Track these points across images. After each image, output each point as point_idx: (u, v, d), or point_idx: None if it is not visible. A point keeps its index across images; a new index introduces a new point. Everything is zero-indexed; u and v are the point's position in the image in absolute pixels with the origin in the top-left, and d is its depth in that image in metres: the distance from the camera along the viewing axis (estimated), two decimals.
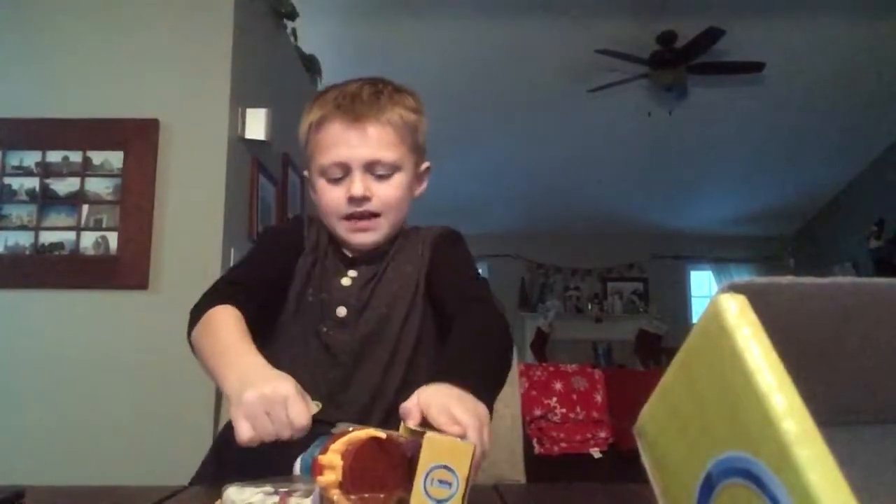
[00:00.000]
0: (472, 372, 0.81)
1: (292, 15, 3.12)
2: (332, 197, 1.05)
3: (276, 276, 1.06)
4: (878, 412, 0.40)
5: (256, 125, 2.54)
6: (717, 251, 7.17)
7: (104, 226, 2.33)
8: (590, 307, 7.07)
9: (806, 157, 5.76)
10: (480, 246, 7.20)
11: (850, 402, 0.39)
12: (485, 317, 0.97)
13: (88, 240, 2.32)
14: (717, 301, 0.32)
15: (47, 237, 2.33)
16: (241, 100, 2.52)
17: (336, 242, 1.11)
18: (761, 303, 0.31)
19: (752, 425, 0.29)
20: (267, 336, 1.04)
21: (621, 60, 4.37)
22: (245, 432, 0.71)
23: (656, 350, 6.39)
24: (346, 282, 1.07)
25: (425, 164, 1.14)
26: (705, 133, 5.46)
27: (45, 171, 2.36)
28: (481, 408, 0.73)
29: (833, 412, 0.35)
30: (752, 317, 0.31)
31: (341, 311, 1.05)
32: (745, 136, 5.49)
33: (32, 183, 2.36)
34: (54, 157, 2.37)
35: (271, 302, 1.05)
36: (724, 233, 7.12)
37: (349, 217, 1.05)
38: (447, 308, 1.00)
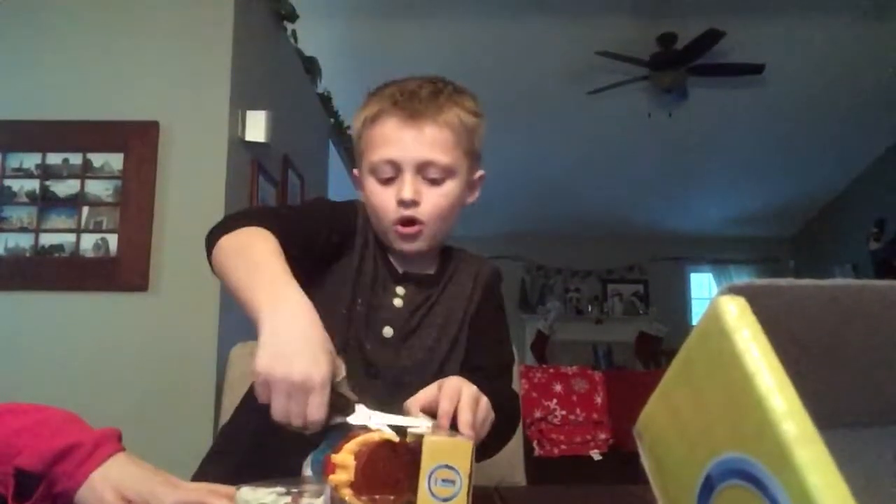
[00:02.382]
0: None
1: (292, 17, 3.13)
2: (382, 199, 0.99)
3: (322, 242, 0.98)
4: (878, 413, 0.40)
5: (256, 127, 2.54)
6: (717, 253, 7.17)
7: (104, 228, 2.33)
8: (590, 309, 7.07)
9: (806, 158, 5.76)
10: (481, 246, 7.16)
11: (850, 404, 0.39)
12: (507, 394, 1.02)
13: (88, 242, 2.32)
14: (717, 303, 0.32)
15: (47, 239, 2.33)
16: (241, 102, 2.52)
17: (383, 247, 1.06)
18: (761, 304, 0.32)
19: (751, 427, 0.29)
20: None
21: (621, 62, 4.37)
22: (261, 398, 0.70)
23: (656, 352, 6.39)
24: (398, 303, 1.03)
25: (480, 173, 1.08)
26: (705, 134, 5.46)
27: (46, 173, 2.36)
28: (485, 400, 0.81)
29: (833, 413, 0.35)
30: (751, 318, 0.31)
31: (388, 332, 1.01)
32: (744, 138, 5.49)
33: (32, 185, 2.36)
34: (54, 159, 2.37)
35: (307, 267, 0.94)
36: (723, 234, 7.12)
37: (400, 222, 0.99)
38: (477, 373, 1.01)
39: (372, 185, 1.00)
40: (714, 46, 4.21)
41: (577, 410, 3.81)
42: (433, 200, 0.98)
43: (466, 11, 4.06)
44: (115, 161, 2.37)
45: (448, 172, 0.98)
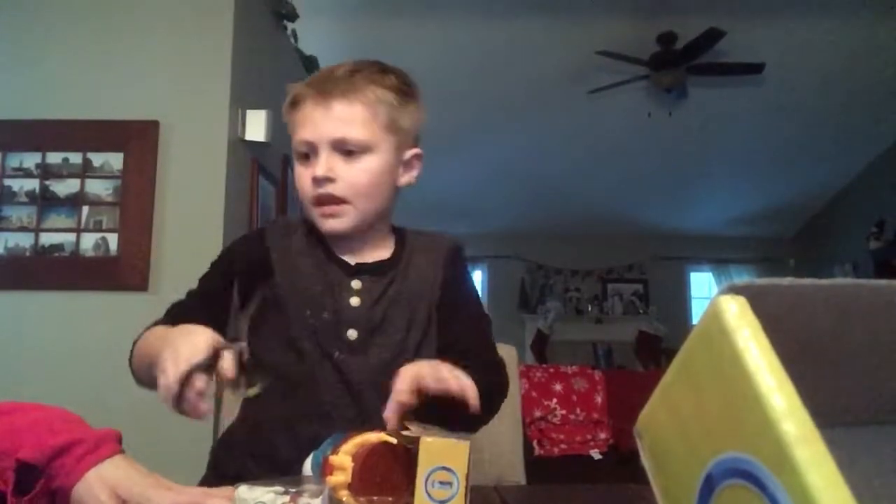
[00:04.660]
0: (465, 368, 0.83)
1: (292, 16, 3.13)
2: (301, 180, 0.99)
3: (228, 293, 0.96)
4: (878, 412, 0.40)
5: (256, 126, 2.54)
6: (717, 252, 7.17)
7: (104, 227, 2.33)
8: (590, 308, 7.07)
9: (806, 158, 5.76)
10: (480, 246, 7.21)
11: (850, 403, 0.39)
12: (492, 364, 1.00)
13: (88, 241, 2.32)
14: (718, 302, 0.32)
15: (47, 238, 2.33)
16: (241, 101, 2.52)
17: (328, 246, 1.03)
18: (761, 304, 0.31)
19: (751, 426, 0.29)
20: (282, 350, 0.99)
21: (621, 62, 4.37)
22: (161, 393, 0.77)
23: (656, 351, 6.38)
24: (354, 301, 0.99)
25: (414, 151, 1.04)
26: (705, 134, 5.46)
27: (45, 172, 2.36)
28: (430, 367, 0.79)
29: (833, 413, 0.35)
30: (751, 318, 0.31)
31: (352, 334, 0.97)
32: (744, 137, 5.49)
33: (32, 184, 2.36)
34: (54, 158, 2.37)
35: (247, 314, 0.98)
36: (724, 233, 7.12)
37: (318, 202, 0.98)
38: (455, 347, 0.99)
39: (296, 167, 1.01)
40: (714, 46, 4.21)
41: (577, 410, 3.81)
42: (350, 176, 0.96)
43: (467, 11, 4.06)
44: (115, 160, 2.37)
45: (364, 148, 0.96)
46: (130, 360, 0.97)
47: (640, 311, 7.02)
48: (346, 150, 0.96)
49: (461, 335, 1.01)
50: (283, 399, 0.97)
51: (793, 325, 0.33)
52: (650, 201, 6.56)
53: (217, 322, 0.93)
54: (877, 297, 0.34)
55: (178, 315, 0.95)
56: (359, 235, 1.02)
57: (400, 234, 1.08)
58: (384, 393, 0.93)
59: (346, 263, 1.01)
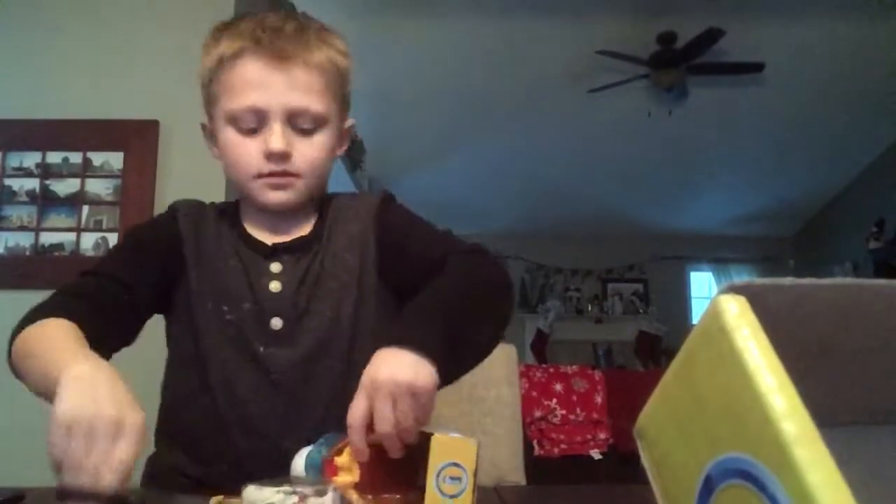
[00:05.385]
0: (419, 322, 0.72)
1: None
2: (244, 152, 0.86)
3: (135, 283, 0.88)
4: (878, 413, 0.40)
5: None
6: (717, 252, 7.17)
7: (104, 227, 2.33)
8: (590, 308, 7.07)
9: (806, 158, 5.76)
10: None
11: (850, 403, 0.39)
12: (462, 265, 0.83)
13: (88, 241, 2.32)
14: (717, 302, 0.32)
15: (47, 238, 2.33)
16: None
17: (241, 227, 0.93)
18: (761, 304, 0.31)
19: (751, 426, 0.29)
20: (195, 361, 0.91)
21: (621, 61, 4.37)
22: (56, 453, 0.57)
23: (656, 351, 6.38)
24: (275, 287, 0.88)
25: (350, 122, 0.96)
26: (705, 133, 5.46)
27: (45, 172, 2.36)
28: (402, 365, 0.66)
29: (833, 413, 0.35)
30: (751, 318, 0.31)
31: (276, 324, 0.87)
32: (744, 137, 5.49)
33: (32, 184, 2.36)
34: (54, 158, 2.37)
35: (130, 316, 0.89)
36: (724, 233, 7.12)
37: (265, 176, 0.86)
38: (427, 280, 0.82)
39: (231, 135, 0.88)
40: (714, 45, 4.21)
41: (577, 410, 3.81)
42: (306, 153, 0.87)
43: (467, 11, 4.06)
44: (115, 160, 2.37)
45: (321, 121, 0.87)
46: (11, 354, 0.82)
47: (640, 310, 7.02)
48: (302, 123, 0.86)
49: (419, 265, 0.87)
50: (202, 411, 0.90)
51: (793, 324, 0.33)
52: (650, 200, 6.56)
53: (119, 318, 0.86)
54: (877, 297, 0.34)
55: (86, 314, 0.81)
56: (286, 212, 0.92)
57: (322, 206, 0.97)
58: (315, 381, 0.85)
59: (263, 244, 0.91)
